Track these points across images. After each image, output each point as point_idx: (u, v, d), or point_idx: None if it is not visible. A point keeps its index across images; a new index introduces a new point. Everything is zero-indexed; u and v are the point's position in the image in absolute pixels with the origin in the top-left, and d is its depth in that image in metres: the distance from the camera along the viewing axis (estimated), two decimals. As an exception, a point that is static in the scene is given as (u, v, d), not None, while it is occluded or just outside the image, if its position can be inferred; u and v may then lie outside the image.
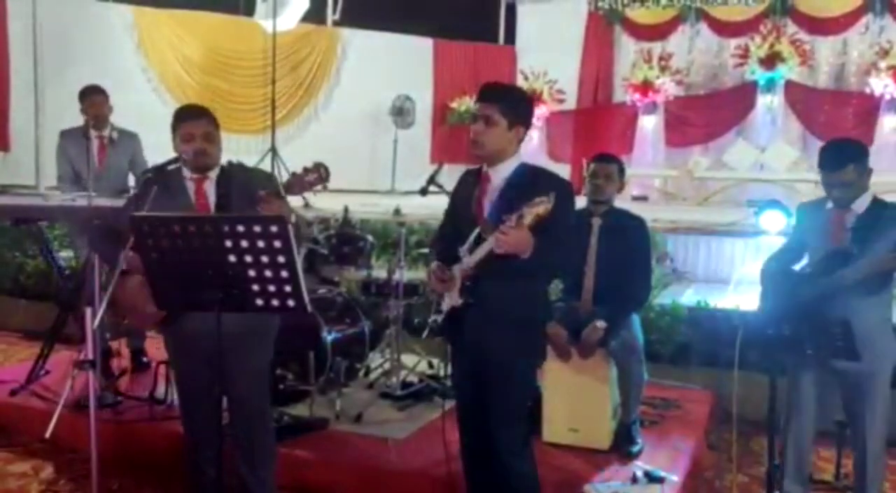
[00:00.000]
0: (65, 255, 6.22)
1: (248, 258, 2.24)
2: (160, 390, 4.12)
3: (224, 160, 2.97)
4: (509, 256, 2.43)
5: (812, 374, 3.08)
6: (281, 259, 2.22)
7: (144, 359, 4.88)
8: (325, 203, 7.78)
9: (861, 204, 2.98)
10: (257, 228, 2.20)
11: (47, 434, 3.09)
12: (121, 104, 4.91)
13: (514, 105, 2.60)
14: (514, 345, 2.60)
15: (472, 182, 2.73)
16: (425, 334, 2.80)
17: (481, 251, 2.52)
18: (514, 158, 2.64)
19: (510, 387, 2.64)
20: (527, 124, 2.64)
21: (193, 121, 2.84)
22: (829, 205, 3.06)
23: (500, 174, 2.62)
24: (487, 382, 2.64)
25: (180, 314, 2.76)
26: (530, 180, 2.57)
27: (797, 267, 3.18)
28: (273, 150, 9.01)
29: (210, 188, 2.87)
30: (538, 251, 2.44)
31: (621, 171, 3.79)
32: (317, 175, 2.65)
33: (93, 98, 4.74)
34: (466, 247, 2.59)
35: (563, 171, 11.88)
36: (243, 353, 2.80)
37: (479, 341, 2.63)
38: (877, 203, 3.00)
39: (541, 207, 2.36)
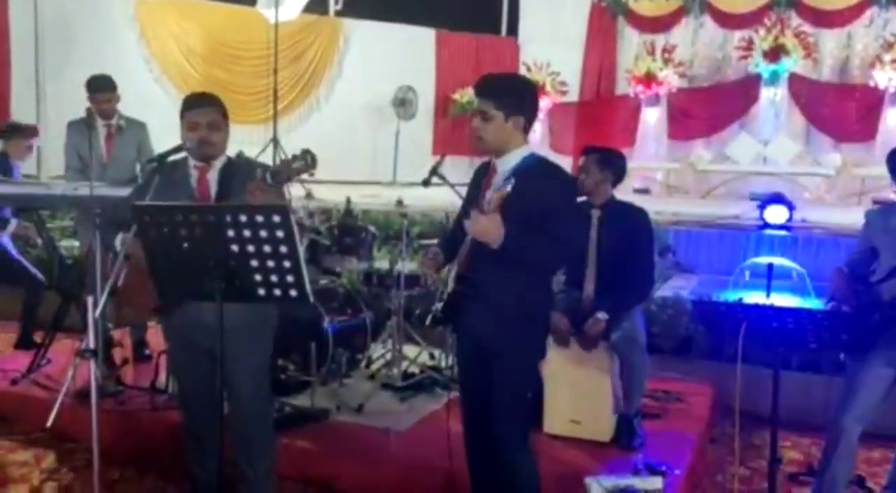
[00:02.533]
0: (66, 244, 6.23)
1: (251, 248, 2.22)
2: (161, 380, 4.12)
3: (233, 152, 2.95)
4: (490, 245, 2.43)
5: (882, 374, 3.04)
6: (283, 249, 2.20)
7: (147, 351, 4.88)
8: (327, 194, 7.78)
9: None
10: (260, 218, 2.18)
11: (48, 423, 3.08)
12: (123, 95, 4.90)
13: (509, 97, 2.55)
14: (513, 338, 2.58)
15: (481, 175, 2.73)
16: (428, 320, 2.80)
17: (469, 240, 2.53)
18: (522, 148, 2.60)
19: (508, 381, 2.62)
20: (526, 113, 2.57)
21: (199, 109, 2.80)
22: None
23: (506, 165, 2.60)
24: (486, 374, 2.63)
25: (177, 305, 2.74)
26: (532, 171, 2.55)
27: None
28: (275, 140, 8.99)
29: (213, 178, 2.84)
30: (522, 244, 2.43)
31: (604, 162, 3.69)
32: (303, 163, 2.63)
33: (100, 95, 4.72)
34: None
35: (565, 163, 11.85)
36: (240, 349, 2.76)
37: (477, 333, 2.63)
38: None
39: (499, 192, 2.36)
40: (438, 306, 2.68)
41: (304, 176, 2.64)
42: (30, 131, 5.43)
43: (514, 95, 2.58)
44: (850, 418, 3.07)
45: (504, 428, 2.63)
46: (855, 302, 3.02)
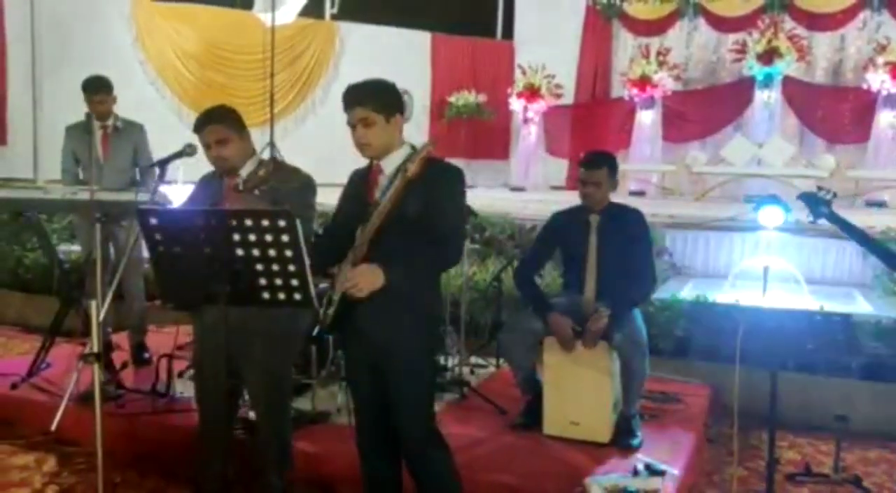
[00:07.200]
0: (64, 248, 6.23)
1: (256, 252, 2.24)
2: (162, 384, 4.13)
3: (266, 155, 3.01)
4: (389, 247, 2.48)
5: None
6: (288, 253, 2.22)
7: (146, 355, 4.88)
8: (323, 198, 7.78)
9: None
10: (265, 222, 2.20)
11: (53, 427, 3.09)
12: (119, 97, 4.91)
13: (383, 99, 2.59)
14: (410, 337, 2.58)
15: (361, 178, 2.74)
16: (315, 331, 2.84)
17: (363, 237, 2.52)
18: (404, 146, 2.65)
19: (408, 379, 2.62)
20: (401, 110, 2.63)
21: (202, 129, 2.84)
22: None
23: (391, 163, 2.61)
24: (382, 376, 2.63)
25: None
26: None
27: None
28: (271, 143, 8.99)
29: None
30: (409, 273, 2.49)
31: (612, 169, 3.72)
32: (265, 170, 2.75)
33: (95, 96, 4.72)
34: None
35: (561, 166, 11.90)
36: (261, 354, 2.86)
37: (372, 333, 2.59)
38: None
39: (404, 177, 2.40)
40: (329, 312, 2.63)
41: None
42: None
43: (386, 95, 2.61)
44: None
45: (409, 427, 2.64)
46: None
